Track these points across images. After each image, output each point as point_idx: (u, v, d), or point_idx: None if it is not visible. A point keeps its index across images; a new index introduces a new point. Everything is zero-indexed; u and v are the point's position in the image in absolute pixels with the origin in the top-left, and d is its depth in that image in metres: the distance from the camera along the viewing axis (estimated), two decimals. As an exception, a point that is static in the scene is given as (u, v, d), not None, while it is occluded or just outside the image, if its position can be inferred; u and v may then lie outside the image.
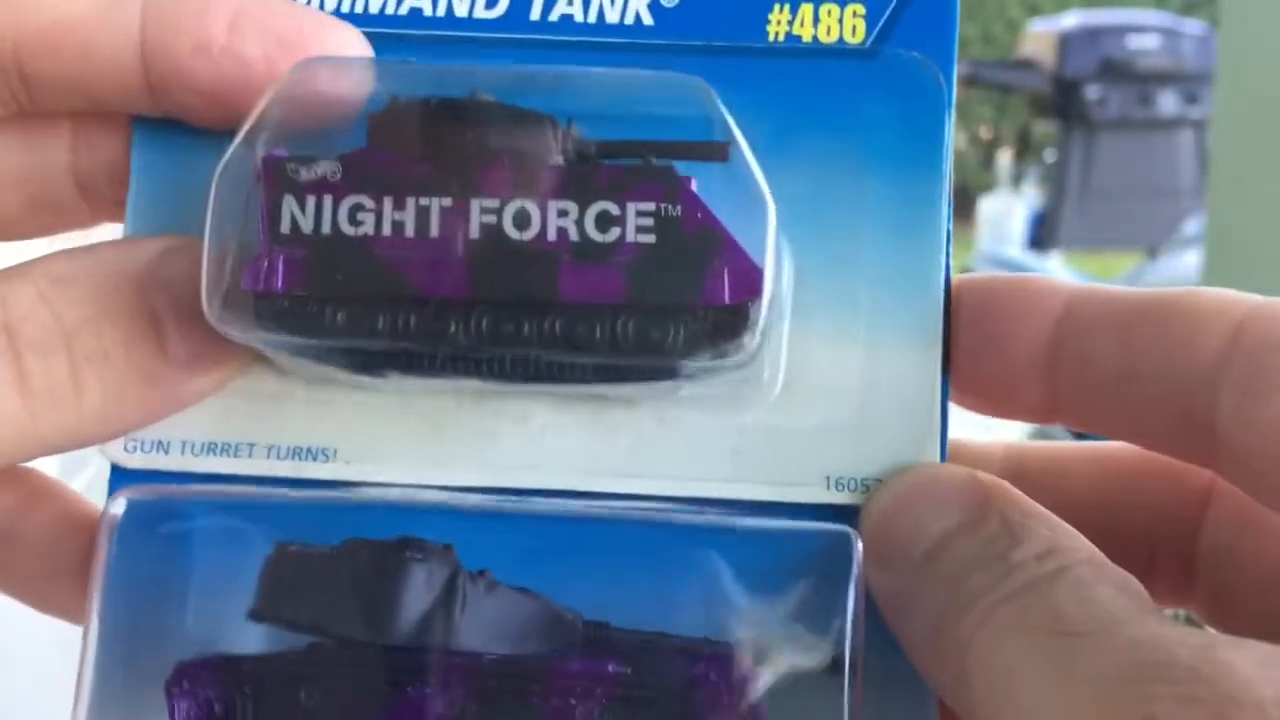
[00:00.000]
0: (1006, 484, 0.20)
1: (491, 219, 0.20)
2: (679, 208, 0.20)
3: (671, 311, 0.20)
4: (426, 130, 0.20)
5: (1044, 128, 3.41)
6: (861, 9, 0.22)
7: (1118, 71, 2.91)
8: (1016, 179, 3.18)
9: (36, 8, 0.20)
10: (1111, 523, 0.20)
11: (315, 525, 0.22)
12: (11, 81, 0.21)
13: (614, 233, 0.20)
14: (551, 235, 0.20)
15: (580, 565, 0.22)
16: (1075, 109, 2.94)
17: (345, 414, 0.23)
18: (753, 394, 0.22)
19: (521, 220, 0.20)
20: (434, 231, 0.20)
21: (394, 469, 0.22)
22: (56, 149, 0.22)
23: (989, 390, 0.21)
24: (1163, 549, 0.21)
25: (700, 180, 0.20)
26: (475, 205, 0.20)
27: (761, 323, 0.20)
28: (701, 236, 0.20)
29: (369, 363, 0.21)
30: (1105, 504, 0.20)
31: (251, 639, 0.21)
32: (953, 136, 0.21)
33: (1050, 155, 3.36)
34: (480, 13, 0.22)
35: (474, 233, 0.20)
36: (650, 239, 0.20)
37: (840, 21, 0.22)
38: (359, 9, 0.22)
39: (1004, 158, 3.68)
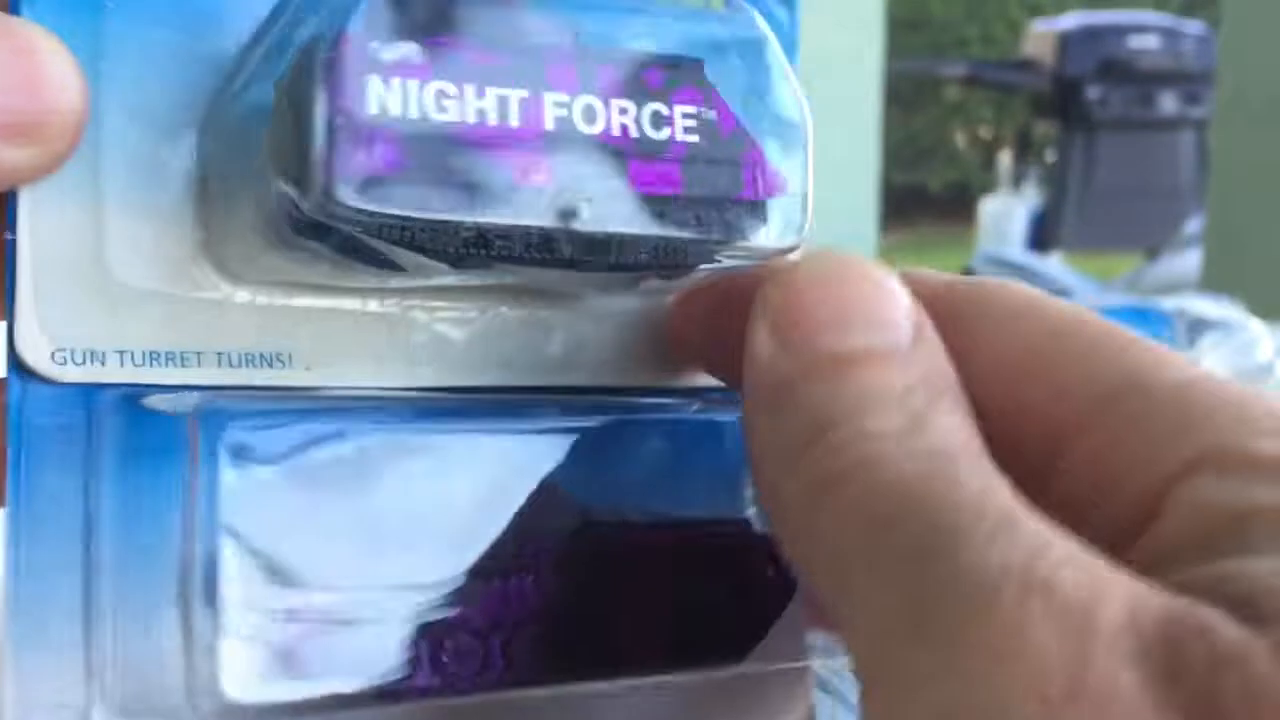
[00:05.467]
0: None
1: (564, 112, 0.21)
2: (714, 112, 0.22)
3: (720, 203, 0.22)
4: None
5: (1044, 128, 3.41)
6: None
7: (1118, 72, 2.91)
8: (1017, 179, 3.18)
9: None
10: (1017, 403, 0.18)
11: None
12: None
13: (665, 131, 0.22)
14: (615, 131, 0.22)
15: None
16: (1076, 109, 2.94)
17: (296, 317, 0.22)
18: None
19: (589, 115, 0.21)
20: (514, 122, 0.21)
21: (352, 373, 0.23)
22: None
23: None
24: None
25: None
26: (549, 99, 0.21)
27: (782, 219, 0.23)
28: (734, 139, 0.22)
29: (455, 250, 0.21)
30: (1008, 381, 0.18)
31: None
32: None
33: (1050, 155, 3.35)
34: None
35: (550, 125, 0.21)
36: (695, 139, 0.22)
37: None
38: None
39: (1004, 158, 3.68)
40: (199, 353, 0.21)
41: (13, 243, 0.20)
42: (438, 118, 0.20)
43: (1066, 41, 2.96)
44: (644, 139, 0.22)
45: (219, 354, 0.22)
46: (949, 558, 0.14)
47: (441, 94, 0.20)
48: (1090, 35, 2.97)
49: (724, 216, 0.22)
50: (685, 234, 0.22)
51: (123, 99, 0.21)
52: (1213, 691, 0.12)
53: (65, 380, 0.21)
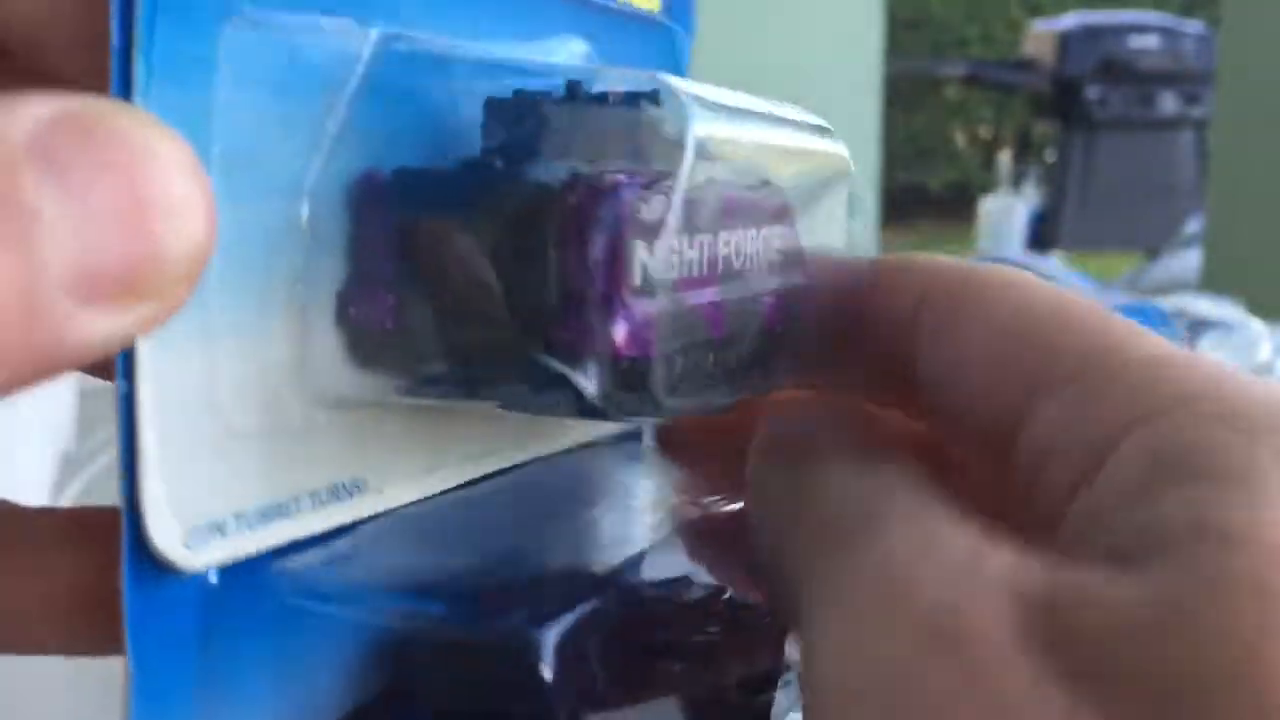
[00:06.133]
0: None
1: (730, 255, 0.19)
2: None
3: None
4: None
5: (1044, 128, 3.41)
6: None
7: (1118, 71, 2.91)
8: (1017, 179, 3.18)
9: None
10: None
11: None
12: None
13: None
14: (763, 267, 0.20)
15: None
16: (1076, 109, 2.94)
17: (362, 435, 0.19)
18: None
19: (742, 254, 0.19)
20: (707, 272, 0.19)
21: (413, 486, 0.20)
22: None
23: None
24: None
25: None
26: (722, 243, 0.19)
27: None
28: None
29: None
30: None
31: None
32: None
33: (1050, 155, 3.35)
34: None
35: (721, 272, 0.19)
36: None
37: None
38: None
39: (1004, 158, 3.68)
40: (296, 497, 0.18)
41: (127, 396, 0.16)
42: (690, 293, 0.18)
43: (1066, 41, 2.97)
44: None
45: (311, 494, 0.18)
46: (870, 541, 0.16)
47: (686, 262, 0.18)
48: (1090, 35, 2.98)
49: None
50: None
51: (227, 188, 0.16)
52: (1077, 629, 0.14)
53: (195, 567, 0.17)
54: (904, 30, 4.11)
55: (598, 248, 0.17)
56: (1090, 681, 0.14)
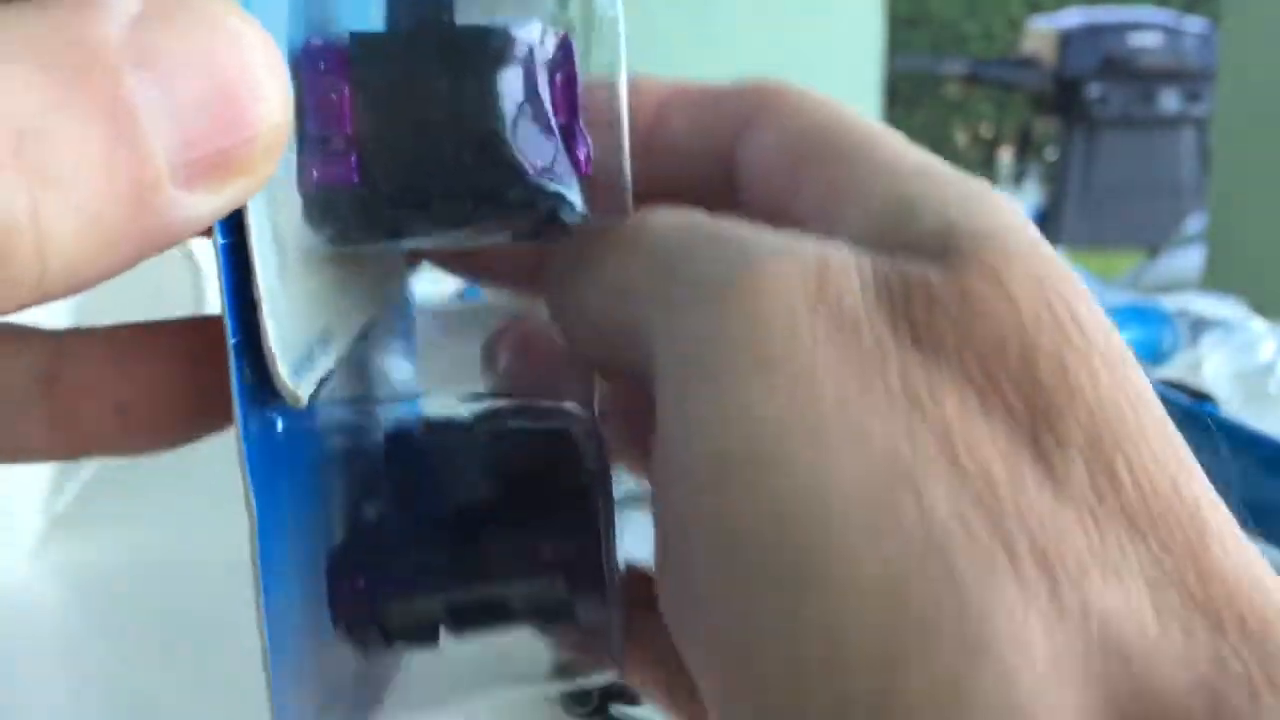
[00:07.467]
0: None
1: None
2: None
3: None
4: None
5: (1045, 126, 3.41)
6: None
7: (1119, 69, 2.91)
8: (1018, 177, 3.19)
9: None
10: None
11: None
12: None
13: None
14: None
15: None
16: (1077, 107, 2.94)
17: (324, 290, 0.20)
18: None
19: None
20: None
21: (348, 339, 0.21)
22: None
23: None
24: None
25: None
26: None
27: None
28: None
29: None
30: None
31: None
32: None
33: (1051, 153, 3.35)
34: None
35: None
36: None
37: None
38: None
39: (1005, 156, 3.68)
40: (316, 341, 0.19)
41: (227, 246, 0.17)
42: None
43: (1067, 39, 2.96)
44: None
45: (316, 341, 0.19)
46: (718, 247, 0.19)
47: None
48: (1091, 33, 2.97)
49: None
50: None
51: None
52: (908, 304, 0.17)
53: (304, 400, 0.18)
54: (904, 28, 4.11)
55: (565, 84, 0.19)
56: (922, 340, 0.17)
